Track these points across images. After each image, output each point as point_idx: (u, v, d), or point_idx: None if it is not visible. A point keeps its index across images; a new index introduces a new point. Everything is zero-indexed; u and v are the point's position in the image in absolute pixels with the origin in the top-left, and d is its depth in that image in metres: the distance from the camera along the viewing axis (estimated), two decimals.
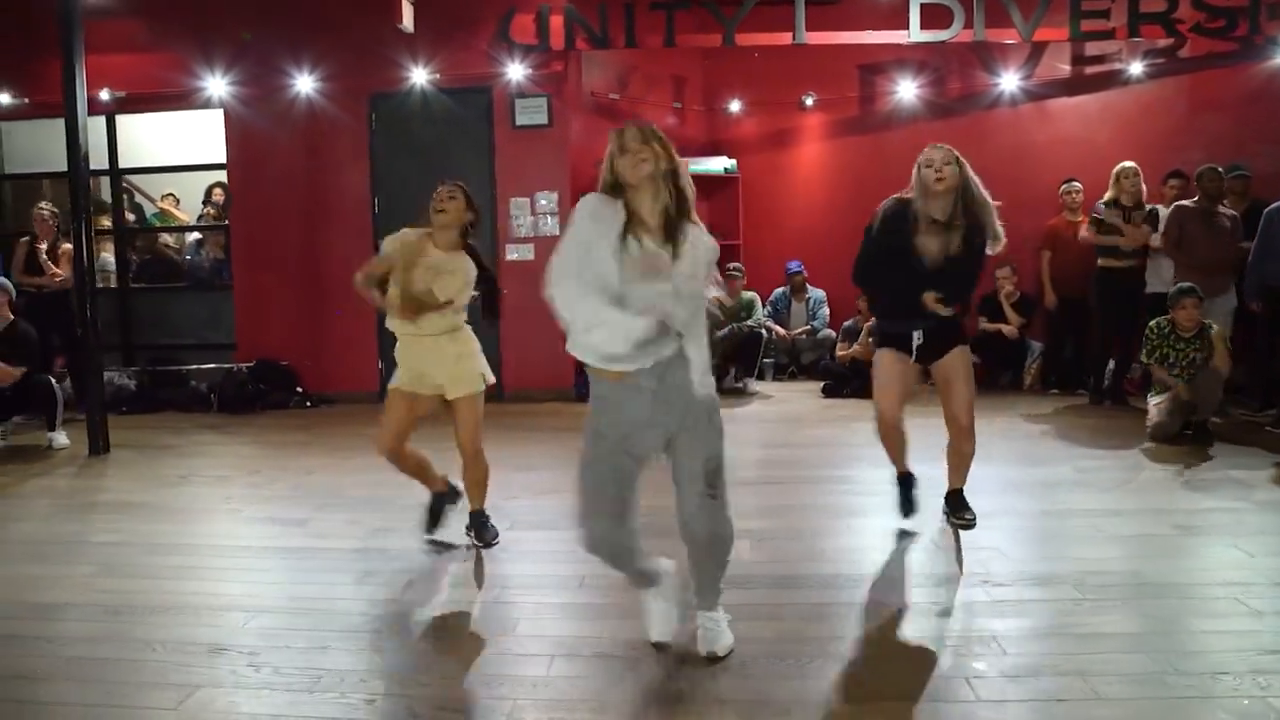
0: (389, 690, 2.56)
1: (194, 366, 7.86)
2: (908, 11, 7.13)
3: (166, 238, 8.99)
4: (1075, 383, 7.34)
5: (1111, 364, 7.05)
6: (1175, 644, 2.70)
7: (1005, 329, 7.68)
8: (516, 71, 7.33)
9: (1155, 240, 6.59)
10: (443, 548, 3.78)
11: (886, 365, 3.74)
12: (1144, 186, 6.65)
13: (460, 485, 3.83)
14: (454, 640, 2.90)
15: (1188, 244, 6.31)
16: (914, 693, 2.45)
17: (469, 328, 3.72)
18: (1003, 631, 2.81)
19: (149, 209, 9.10)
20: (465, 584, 3.40)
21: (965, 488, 3.86)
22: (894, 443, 3.84)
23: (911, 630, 2.87)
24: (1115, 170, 6.63)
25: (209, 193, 8.86)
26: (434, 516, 3.87)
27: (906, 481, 3.92)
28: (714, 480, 2.53)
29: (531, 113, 7.47)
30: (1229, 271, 6.28)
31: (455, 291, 3.57)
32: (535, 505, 4.34)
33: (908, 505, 3.90)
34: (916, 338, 3.64)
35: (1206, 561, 3.46)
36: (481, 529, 3.78)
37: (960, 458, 3.78)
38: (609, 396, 2.51)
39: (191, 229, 8.89)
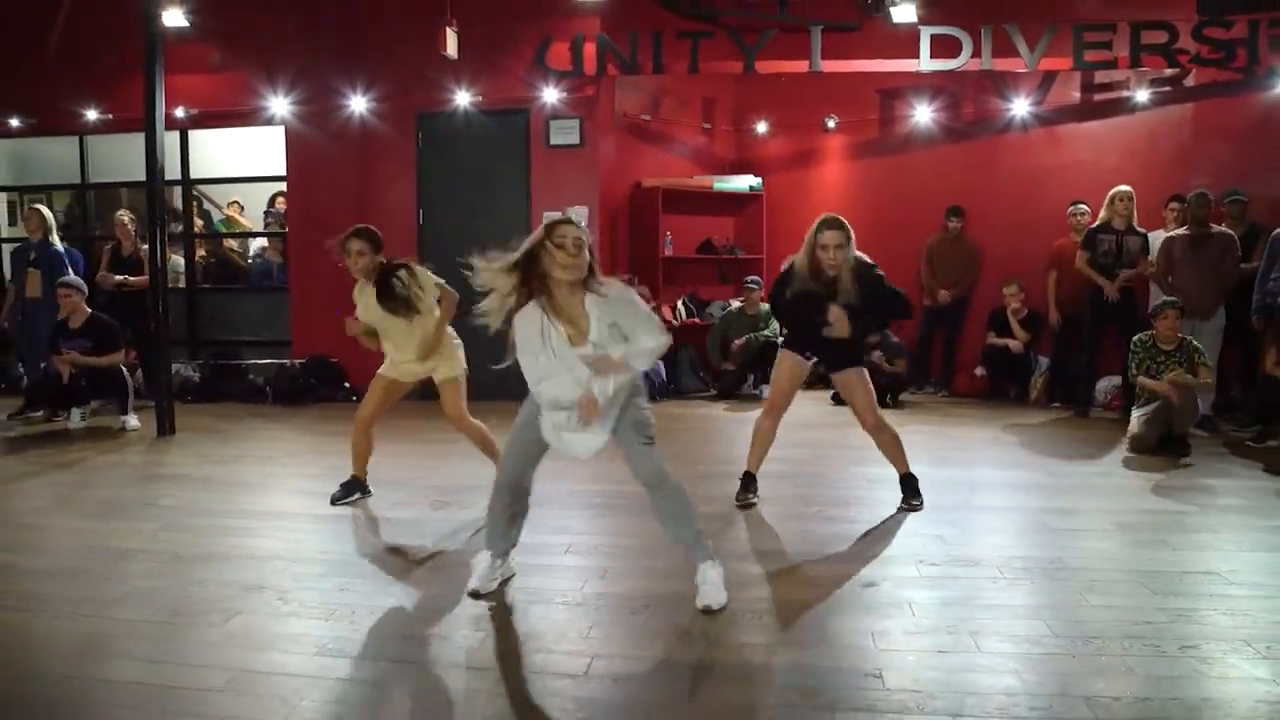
0: (389, 618, 3.09)
1: (252, 361, 8.56)
2: (918, 41, 7.54)
3: (232, 242, 9.77)
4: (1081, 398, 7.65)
5: (1110, 380, 7.38)
6: (1064, 615, 3.10)
7: (1011, 344, 8.02)
8: (551, 95, 7.91)
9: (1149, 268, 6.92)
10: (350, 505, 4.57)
11: (786, 365, 4.46)
12: (1136, 210, 6.95)
13: (370, 489, 4.72)
14: (452, 583, 3.42)
15: (1176, 271, 6.62)
16: (825, 639, 2.91)
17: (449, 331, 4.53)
18: (918, 600, 3.24)
19: (216, 215, 9.89)
20: (473, 548, 3.93)
21: (943, 484, 4.38)
22: (765, 437, 4.52)
23: (839, 595, 3.31)
24: (1110, 194, 6.96)
25: (272, 201, 9.62)
26: (345, 492, 4.60)
27: (750, 480, 4.59)
28: (644, 431, 3.16)
29: (565, 133, 8.03)
30: (1216, 295, 6.55)
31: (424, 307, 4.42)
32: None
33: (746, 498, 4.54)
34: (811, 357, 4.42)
35: (1128, 553, 3.82)
36: None
37: (884, 448, 4.47)
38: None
39: (255, 235, 9.64)
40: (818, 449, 6.03)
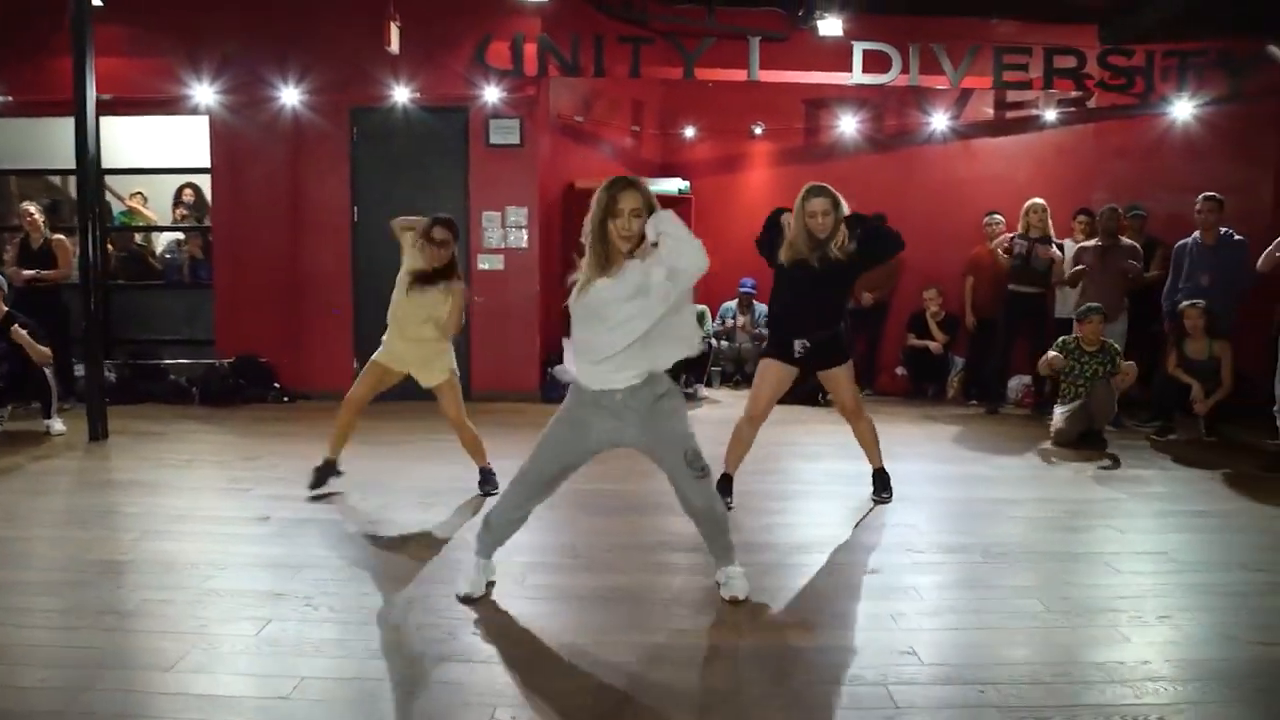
0: (429, 620, 3.13)
1: (172, 361, 8.21)
2: (851, 55, 7.92)
3: (138, 236, 9.32)
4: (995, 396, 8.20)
5: (1022, 379, 7.95)
6: (1052, 592, 3.41)
7: (931, 345, 8.50)
8: (492, 94, 7.90)
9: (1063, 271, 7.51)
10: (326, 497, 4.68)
11: (770, 373, 4.57)
12: (1050, 221, 7.52)
13: (341, 470, 4.81)
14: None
15: (1086, 278, 7.21)
16: (851, 623, 3.12)
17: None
18: (920, 584, 3.50)
19: (117, 207, 9.41)
20: (464, 547, 3.96)
21: (893, 478, 4.64)
22: (743, 443, 4.63)
23: (848, 583, 3.53)
24: (1025, 206, 7.51)
25: (179, 193, 9.22)
26: (320, 477, 4.73)
27: (728, 482, 4.64)
28: (695, 462, 3.15)
29: (505, 133, 8.04)
30: (1121, 302, 7.16)
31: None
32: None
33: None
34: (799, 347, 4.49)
35: (1085, 536, 4.20)
36: (484, 482, 4.75)
37: (862, 436, 4.73)
38: (580, 407, 3.16)
39: (166, 229, 9.23)
40: (765, 446, 6.27)
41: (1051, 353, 6.52)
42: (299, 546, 3.95)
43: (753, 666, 2.80)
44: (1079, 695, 2.59)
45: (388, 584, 3.49)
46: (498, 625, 3.09)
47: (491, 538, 3.35)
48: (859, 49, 7.86)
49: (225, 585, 3.45)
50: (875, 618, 3.17)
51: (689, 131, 9.72)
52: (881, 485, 4.76)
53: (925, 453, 6.10)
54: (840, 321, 4.59)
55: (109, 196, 9.27)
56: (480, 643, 2.95)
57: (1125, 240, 7.29)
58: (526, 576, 3.57)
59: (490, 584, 3.37)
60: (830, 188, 4.33)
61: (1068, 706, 2.52)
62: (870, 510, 4.56)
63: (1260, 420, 6.67)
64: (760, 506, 4.66)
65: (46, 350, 6.26)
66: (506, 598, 3.35)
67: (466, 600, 3.25)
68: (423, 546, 3.96)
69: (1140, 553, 3.93)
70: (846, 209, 4.31)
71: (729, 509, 4.51)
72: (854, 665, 2.78)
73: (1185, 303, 6.61)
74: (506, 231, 8.15)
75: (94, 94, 6.13)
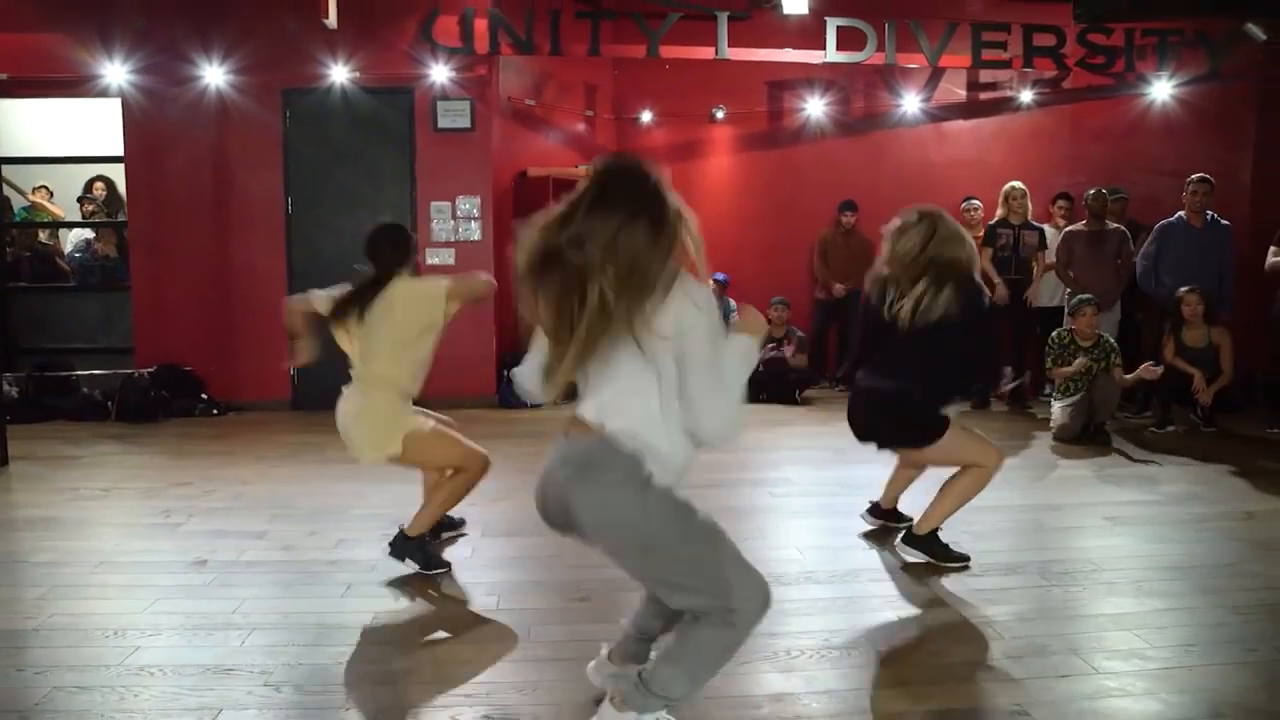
0: (423, 699, 2.53)
1: (85, 372, 7.35)
2: (823, 32, 7.47)
3: (42, 234, 8.40)
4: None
5: (1008, 369, 7.61)
6: (1149, 622, 2.97)
7: None
8: (440, 73, 7.23)
9: (1048, 258, 7.19)
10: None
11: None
12: (1030, 205, 7.20)
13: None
14: (447, 644, 2.87)
15: (1077, 265, 6.89)
16: (940, 675, 2.62)
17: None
18: (993, 618, 3.03)
19: (19, 203, 8.47)
20: (447, 588, 3.37)
21: (879, 486, 4.11)
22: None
23: (913, 619, 3.04)
24: (1003, 190, 7.19)
25: (89, 186, 8.34)
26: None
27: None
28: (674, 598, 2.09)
29: (454, 116, 7.38)
30: (1114, 288, 6.87)
31: None
32: (497, 510, 4.31)
33: None
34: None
35: (1147, 549, 3.80)
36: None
37: (951, 485, 3.68)
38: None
39: (75, 224, 8.33)
40: (756, 452, 5.79)
41: (1062, 369, 6.13)
42: (247, 599, 3.28)
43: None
44: None
45: (365, 647, 2.88)
46: (506, 702, 2.51)
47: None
48: (832, 25, 7.42)
49: (158, 659, 2.77)
50: (963, 665, 2.68)
51: (645, 116, 9.16)
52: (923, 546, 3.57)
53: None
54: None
55: (8, 191, 8.33)
56: None
57: (1112, 224, 7.00)
58: (532, 630, 3.00)
59: None
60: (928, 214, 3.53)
61: None
62: (896, 526, 4.08)
63: (1252, 410, 6.49)
64: (777, 526, 4.15)
65: None
66: (513, 661, 2.78)
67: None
68: (402, 590, 3.34)
69: (1209, 565, 3.54)
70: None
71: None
72: None
73: (1183, 289, 6.33)
74: (457, 223, 7.51)
75: None
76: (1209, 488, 4.76)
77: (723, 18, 7.42)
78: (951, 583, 3.36)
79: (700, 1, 7.57)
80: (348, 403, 3.49)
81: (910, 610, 3.13)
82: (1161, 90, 7.64)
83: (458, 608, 3.20)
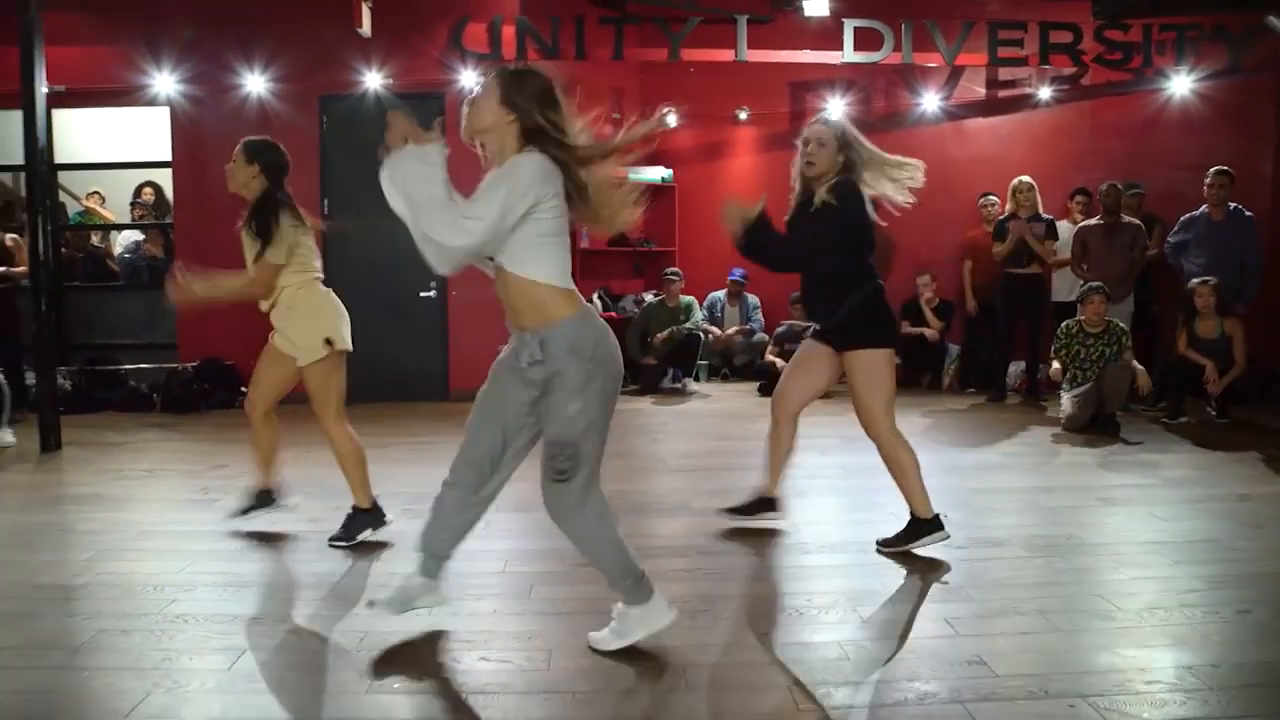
0: (431, 643, 2.76)
1: (132, 366, 7.74)
2: (841, 33, 7.63)
3: (94, 236, 8.83)
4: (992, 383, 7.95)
5: (1022, 365, 7.70)
6: (1114, 589, 3.12)
7: (927, 332, 8.23)
8: (469, 78, 7.51)
9: (1063, 254, 7.27)
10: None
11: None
12: (1039, 199, 7.27)
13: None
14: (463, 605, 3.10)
15: (1091, 259, 6.97)
16: (905, 630, 2.80)
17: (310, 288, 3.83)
18: (969, 583, 3.19)
19: (73, 207, 8.91)
20: (462, 558, 3.59)
21: None
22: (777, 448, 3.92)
23: (889, 583, 3.21)
24: (1011, 185, 7.27)
25: (138, 191, 8.75)
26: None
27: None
28: (560, 464, 2.49)
29: None
30: (1128, 281, 6.93)
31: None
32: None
33: None
34: None
35: (1129, 525, 3.92)
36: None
37: (892, 465, 3.59)
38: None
39: (125, 227, 8.75)
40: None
41: (1054, 365, 6.27)
42: (275, 563, 3.57)
43: (806, 687, 2.46)
44: (1182, 707, 2.28)
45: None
46: (509, 648, 2.73)
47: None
48: (849, 26, 7.58)
49: (192, 609, 3.05)
50: (929, 622, 2.85)
51: (670, 118, 9.37)
52: (910, 535, 3.52)
53: (935, 442, 5.80)
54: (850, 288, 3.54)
55: (64, 196, 8.79)
56: (492, 670, 2.59)
57: (1127, 218, 7.06)
58: (534, 588, 3.22)
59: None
60: (840, 122, 3.64)
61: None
62: (893, 505, 4.24)
63: (1272, 402, 6.52)
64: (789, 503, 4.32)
65: None
66: (515, 615, 3.00)
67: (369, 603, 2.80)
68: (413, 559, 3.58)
69: (1191, 541, 3.65)
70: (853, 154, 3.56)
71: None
72: (921, 679, 2.46)
73: (1195, 280, 6.39)
74: None
75: (44, 84, 5.68)
76: (1209, 473, 4.85)
77: (742, 21, 7.62)
78: (934, 553, 3.51)
79: (721, 5, 7.78)
80: None
81: (893, 578, 3.29)
82: (1181, 85, 7.68)
83: (467, 570, 3.43)
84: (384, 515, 3.85)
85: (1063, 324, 6.41)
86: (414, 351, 7.64)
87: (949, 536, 3.50)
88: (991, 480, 4.79)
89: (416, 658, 2.67)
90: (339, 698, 2.44)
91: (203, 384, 7.50)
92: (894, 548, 3.51)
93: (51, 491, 4.86)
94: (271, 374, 3.84)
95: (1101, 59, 7.57)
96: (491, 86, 2.50)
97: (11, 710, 2.37)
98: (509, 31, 7.50)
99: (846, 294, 3.52)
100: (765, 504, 3.88)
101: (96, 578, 3.38)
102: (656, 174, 9.23)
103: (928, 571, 3.32)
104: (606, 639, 2.65)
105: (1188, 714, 2.25)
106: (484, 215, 2.36)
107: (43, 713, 2.36)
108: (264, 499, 4.01)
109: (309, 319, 3.75)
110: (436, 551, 2.79)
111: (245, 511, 3.98)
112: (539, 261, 2.47)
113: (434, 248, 2.43)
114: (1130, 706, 2.27)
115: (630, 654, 2.63)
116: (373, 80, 7.45)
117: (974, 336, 8.14)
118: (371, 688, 2.49)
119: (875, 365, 3.49)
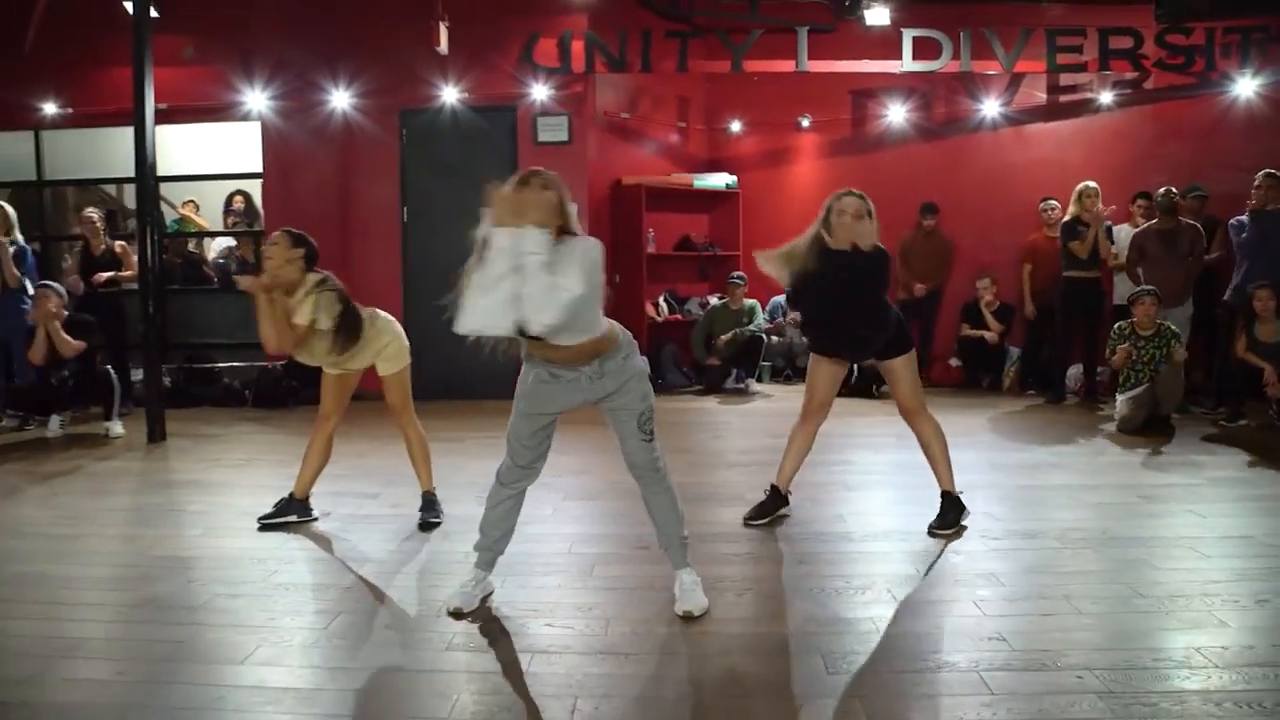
0: (500, 612, 3.08)
1: (226, 365, 8.31)
2: (900, 42, 7.80)
3: (190, 243, 9.46)
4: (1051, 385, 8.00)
5: (1080, 368, 7.74)
6: (1140, 577, 3.29)
7: (987, 335, 8.33)
8: (540, 92, 7.90)
9: (1120, 258, 7.32)
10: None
11: (822, 368, 4.21)
12: (1102, 206, 7.32)
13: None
14: (525, 576, 3.42)
15: (1148, 264, 7.00)
16: (935, 609, 3.03)
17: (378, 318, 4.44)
18: (1000, 570, 3.39)
19: (170, 215, 9.56)
20: (527, 540, 3.92)
21: (957, 466, 4.35)
22: (799, 446, 4.25)
23: (925, 568, 3.43)
24: (1077, 189, 7.32)
25: (229, 200, 9.34)
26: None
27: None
28: (649, 427, 3.04)
29: (553, 130, 8.03)
30: (1185, 284, 6.95)
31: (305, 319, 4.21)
32: (578, 482, 4.87)
33: None
34: None
35: (1163, 521, 4.06)
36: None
37: (926, 446, 4.04)
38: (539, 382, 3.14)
39: (219, 234, 9.35)
40: (826, 438, 6.17)
41: (1117, 354, 6.34)
42: (362, 541, 3.94)
43: (836, 654, 2.71)
44: (1184, 680, 2.47)
45: (454, 578, 3.45)
46: (570, 617, 3.04)
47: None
48: (908, 36, 7.74)
49: (292, 579, 3.44)
50: (958, 603, 3.07)
51: (735, 126, 9.63)
52: (949, 512, 3.92)
53: (988, 441, 5.96)
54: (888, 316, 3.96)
55: (163, 205, 9.44)
56: (555, 634, 2.90)
57: (1185, 220, 7.08)
58: (595, 567, 3.53)
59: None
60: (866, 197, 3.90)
61: (1174, 692, 2.41)
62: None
63: None
64: (830, 497, 4.56)
65: (77, 344, 6.33)
66: (576, 589, 3.31)
67: (457, 615, 3.05)
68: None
69: (1226, 537, 3.78)
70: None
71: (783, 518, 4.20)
72: (943, 651, 2.69)
73: (1254, 284, 6.40)
74: None
75: (153, 103, 6.21)
76: (1257, 474, 4.93)
77: (803, 32, 7.84)
78: (966, 543, 3.72)
79: (785, 15, 8.01)
80: None
81: (929, 565, 3.51)
82: (1245, 87, 7.65)
83: (535, 551, 3.75)
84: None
85: (1115, 325, 6.48)
86: (482, 353, 8.03)
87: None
88: (1038, 478, 4.94)
89: (488, 623, 3.00)
90: (419, 653, 2.78)
91: (291, 381, 8.01)
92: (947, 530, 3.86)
93: (160, 477, 5.36)
94: (340, 397, 4.45)
95: (1163, 63, 7.58)
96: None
97: (150, 655, 2.77)
98: (578, 46, 7.86)
99: (886, 318, 3.90)
100: (779, 500, 4.17)
101: (206, 551, 3.81)
102: (721, 180, 9.50)
103: (964, 561, 3.53)
104: (699, 600, 3.02)
105: (1191, 687, 2.44)
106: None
107: (170, 660, 2.74)
108: (303, 509, 4.32)
109: (393, 338, 4.38)
110: (492, 547, 3.17)
111: (275, 516, 4.22)
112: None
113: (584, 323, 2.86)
114: (1135, 679, 2.47)
115: (681, 623, 2.92)
116: (450, 95, 7.88)
117: (1034, 339, 8.21)
118: (450, 645, 2.82)
119: (914, 364, 4.01)
